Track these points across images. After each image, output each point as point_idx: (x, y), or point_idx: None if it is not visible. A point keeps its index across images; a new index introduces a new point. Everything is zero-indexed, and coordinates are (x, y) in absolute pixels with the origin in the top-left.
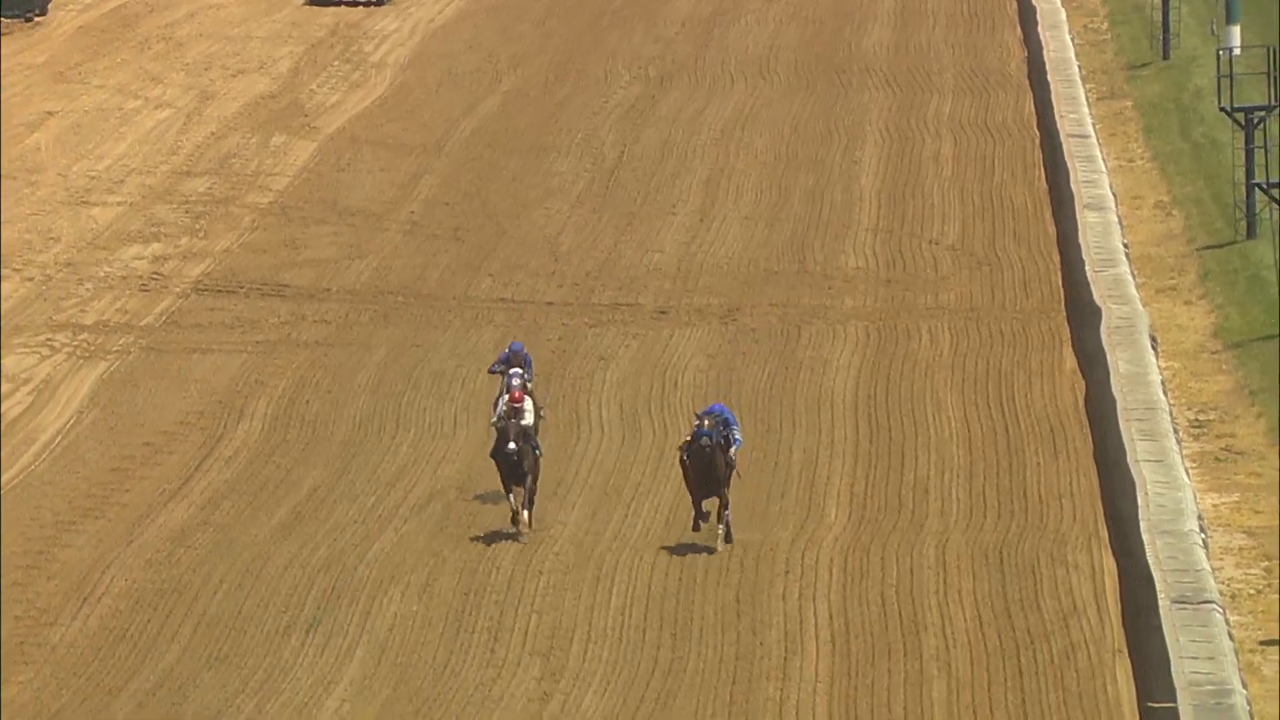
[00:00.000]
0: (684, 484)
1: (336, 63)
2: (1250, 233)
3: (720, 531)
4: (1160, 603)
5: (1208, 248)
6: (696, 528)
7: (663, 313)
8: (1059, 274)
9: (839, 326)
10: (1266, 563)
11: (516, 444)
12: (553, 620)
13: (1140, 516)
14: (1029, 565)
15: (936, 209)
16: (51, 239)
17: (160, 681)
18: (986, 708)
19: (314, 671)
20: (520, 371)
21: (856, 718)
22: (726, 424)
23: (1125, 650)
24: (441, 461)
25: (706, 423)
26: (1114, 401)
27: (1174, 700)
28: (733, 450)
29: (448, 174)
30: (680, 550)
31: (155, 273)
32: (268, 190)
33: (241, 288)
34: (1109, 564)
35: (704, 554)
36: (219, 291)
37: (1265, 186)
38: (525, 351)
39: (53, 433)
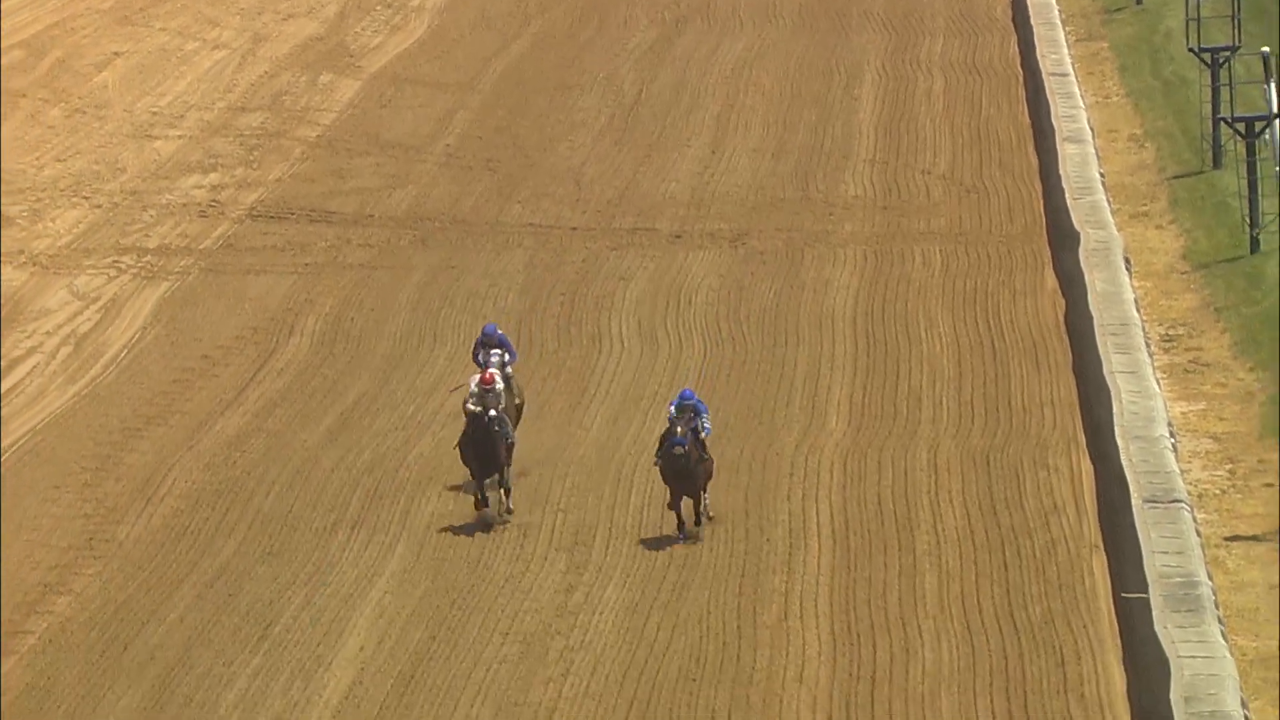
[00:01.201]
0: (661, 480)
1: (379, 7)
2: (1216, 163)
3: (700, 523)
4: (1133, 502)
5: (1177, 177)
6: (680, 530)
7: (678, 237)
8: (1041, 201)
9: (839, 250)
10: (1230, 465)
11: (495, 411)
12: (577, 519)
13: (1115, 423)
14: (1013, 468)
15: (928, 141)
16: (118, 169)
17: (218, 574)
18: (974, 598)
19: (358, 565)
20: (499, 352)
21: (855, 607)
22: (697, 413)
23: (1101, 545)
24: (475, 373)
25: (679, 429)
26: (1091, 318)
27: (1146, 591)
28: (703, 435)
29: (481, 110)
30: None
31: (213, 200)
32: (316, 125)
33: (292, 214)
34: (1086, 467)
35: (717, 458)
36: (271, 218)
37: (1230, 120)
38: (500, 332)
39: (119, 347)
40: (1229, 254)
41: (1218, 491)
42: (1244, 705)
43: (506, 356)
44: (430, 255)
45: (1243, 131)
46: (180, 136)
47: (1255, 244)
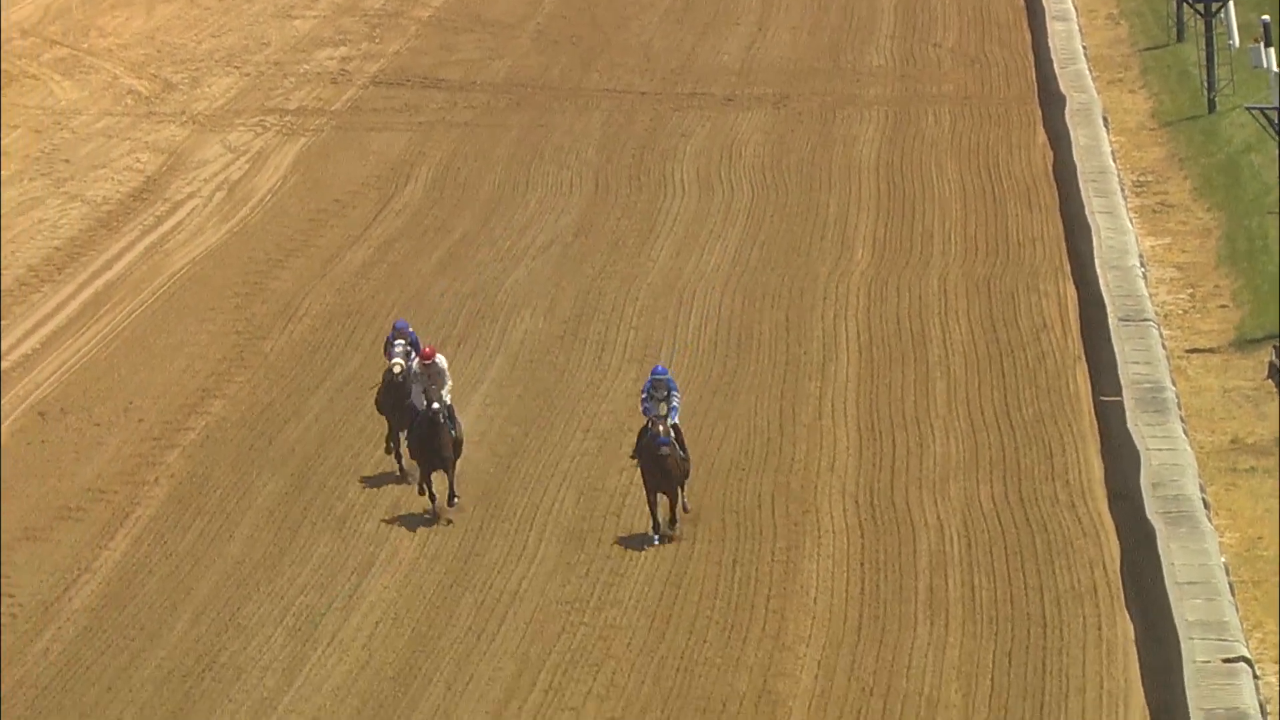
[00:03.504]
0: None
1: None
2: (1179, 37)
3: (676, 522)
4: (1110, 320)
5: (1147, 49)
6: (655, 530)
7: (730, 100)
8: (1033, 70)
9: (865, 110)
10: (1191, 289)
11: (438, 404)
12: (645, 335)
13: (1095, 255)
14: (1010, 292)
15: (939, 20)
16: (263, 44)
17: (347, 380)
18: (977, 401)
19: (464, 374)
20: (402, 343)
21: (877, 409)
22: (669, 390)
23: (1083, 357)
24: (561, 213)
25: (660, 428)
26: (1075, 167)
27: (1120, 394)
28: (673, 420)
29: None
30: (743, 281)
31: (342, 69)
32: (428, 6)
33: (408, 81)
34: (1071, 291)
35: (762, 284)
36: (391, 84)
37: (1191, 1)
38: (410, 329)
39: (264, 191)
40: (1190, 114)
41: (1180, 311)
42: (1202, 489)
43: (414, 354)
44: (522, 116)
45: (1202, 10)
46: (315, 16)
47: (1212, 105)
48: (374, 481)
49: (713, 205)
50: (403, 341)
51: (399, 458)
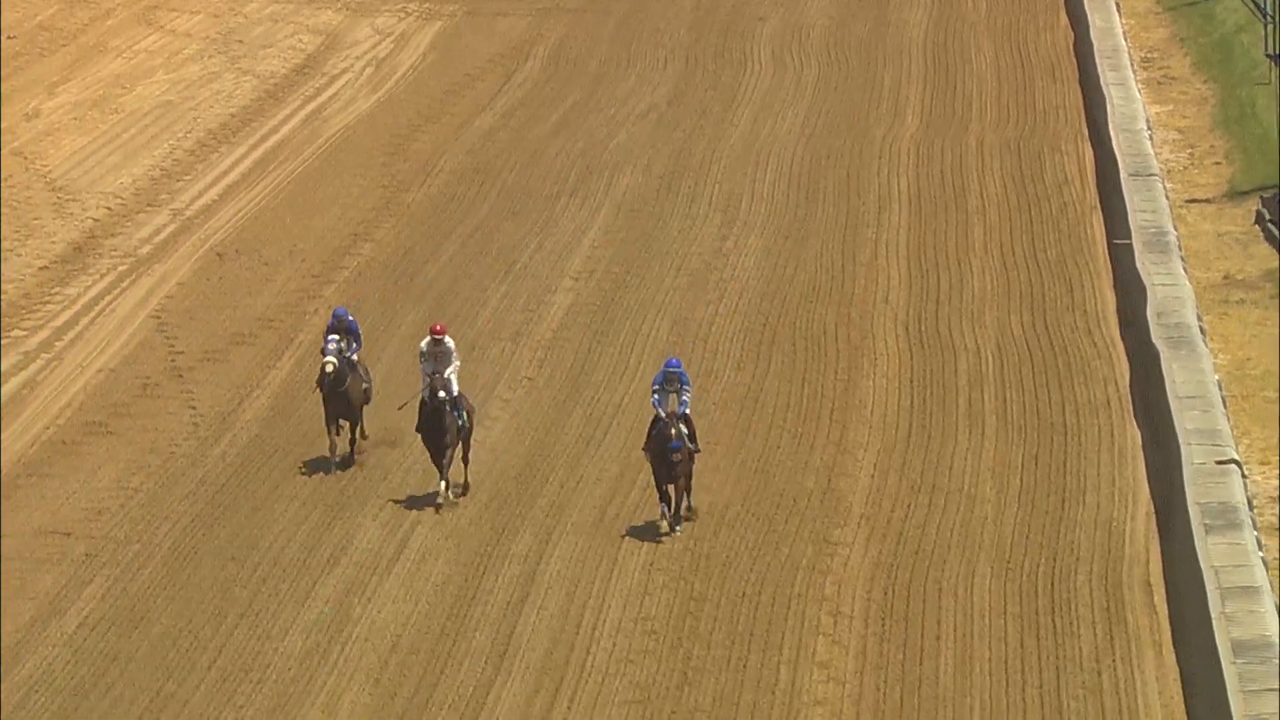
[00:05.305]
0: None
1: None
2: None
3: (681, 519)
4: (1121, 175)
5: None
6: (666, 514)
7: None
8: None
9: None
10: (1190, 149)
11: (434, 400)
12: (728, 188)
13: (1109, 121)
14: (1036, 152)
15: None
16: None
17: (475, 228)
18: (1009, 244)
19: (575, 221)
20: (336, 338)
21: (924, 250)
22: (681, 383)
23: (1099, 206)
24: (657, 85)
25: (672, 431)
26: (1092, 45)
27: (1130, 238)
28: (683, 411)
29: None
30: (811, 143)
31: None
32: None
33: None
34: (1088, 151)
35: (827, 146)
36: None
37: None
38: (350, 318)
39: (406, 67)
40: None
41: (1180, 168)
42: (1199, 318)
43: (353, 344)
44: (624, 3)
45: None
46: None
47: None
48: (498, 314)
49: (785, 79)
50: (336, 336)
51: (333, 443)
